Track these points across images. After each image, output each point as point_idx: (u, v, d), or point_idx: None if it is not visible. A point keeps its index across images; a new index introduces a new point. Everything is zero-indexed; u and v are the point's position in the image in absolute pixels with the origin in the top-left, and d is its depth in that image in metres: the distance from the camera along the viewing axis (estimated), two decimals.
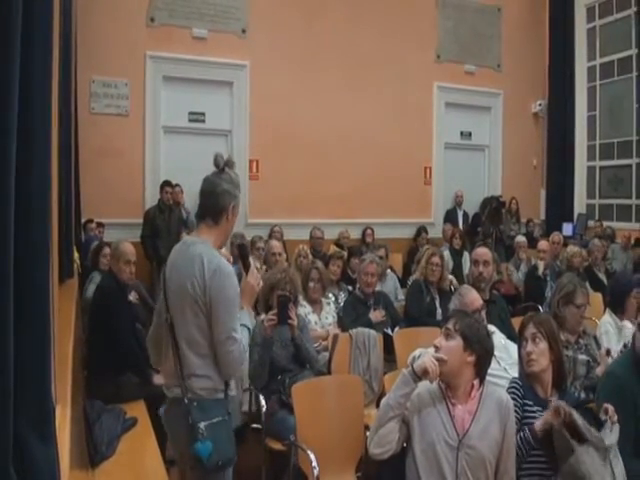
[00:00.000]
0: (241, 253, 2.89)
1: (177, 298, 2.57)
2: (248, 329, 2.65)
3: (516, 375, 3.39)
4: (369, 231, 9.62)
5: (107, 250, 5.59)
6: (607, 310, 4.66)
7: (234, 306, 2.54)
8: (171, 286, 2.61)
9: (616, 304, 4.60)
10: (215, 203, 2.63)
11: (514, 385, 2.88)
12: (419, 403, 2.55)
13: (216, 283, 2.50)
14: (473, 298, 3.83)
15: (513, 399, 2.75)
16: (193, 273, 2.51)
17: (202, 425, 2.47)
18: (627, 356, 3.09)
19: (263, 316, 4.10)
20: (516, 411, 2.70)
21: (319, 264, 5.28)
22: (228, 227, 2.69)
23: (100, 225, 7.93)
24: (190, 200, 8.27)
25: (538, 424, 2.65)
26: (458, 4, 11.13)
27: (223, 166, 2.66)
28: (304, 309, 4.93)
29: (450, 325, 2.58)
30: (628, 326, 4.36)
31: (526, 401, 2.79)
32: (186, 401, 2.52)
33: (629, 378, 2.89)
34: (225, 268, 2.53)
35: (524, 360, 2.90)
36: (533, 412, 2.76)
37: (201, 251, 2.55)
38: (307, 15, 9.69)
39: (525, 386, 2.86)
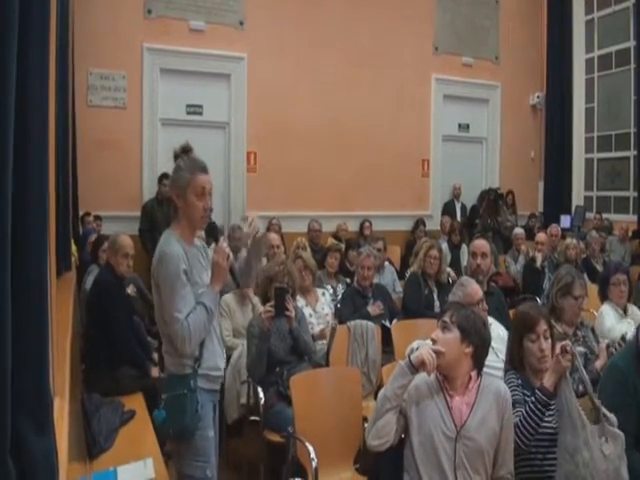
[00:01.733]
0: (212, 232, 3.05)
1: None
2: (206, 307, 2.71)
3: None
4: (367, 224, 9.63)
5: (107, 244, 5.58)
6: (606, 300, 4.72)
7: (174, 287, 2.65)
8: None
9: (602, 295, 4.68)
10: (171, 197, 2.86)
11: (512, 377, 2.87)
12: (417, 395, 2.55)
13: (160, 266, 2.68)
14: (475, 289, 3.83)
15: (515, 389, 2.76)
16: (154, 262, 2.74)
17: (163, 396, 2.70)
18: (630, 349, 3.08)
19: (261, 308, 4.11)
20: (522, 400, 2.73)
21: (303, 254, 5.28)
22: (186, 209, 2.78)
23: (98, 218, 7.91)
24: None
25: (546, 379, 2.65)
26: None
27: (176, 158, 2.87)
28: (298, 303, 4.91)
29: (447, 317, 2.58)
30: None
31: (525, 391, 2.79)
32: (162, 376, 2.78)
33: (632, 371, 2.88)
34: (169, 252, 2.67)
35: (536, 356, 2.85)
36: None
37: (160, 240, 2.78)
38: (305, 7, 9.67)
39: (523, 380, 2.86)
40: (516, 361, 2.94)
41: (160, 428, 2.73)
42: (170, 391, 2.69)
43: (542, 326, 2.89)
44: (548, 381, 2.63)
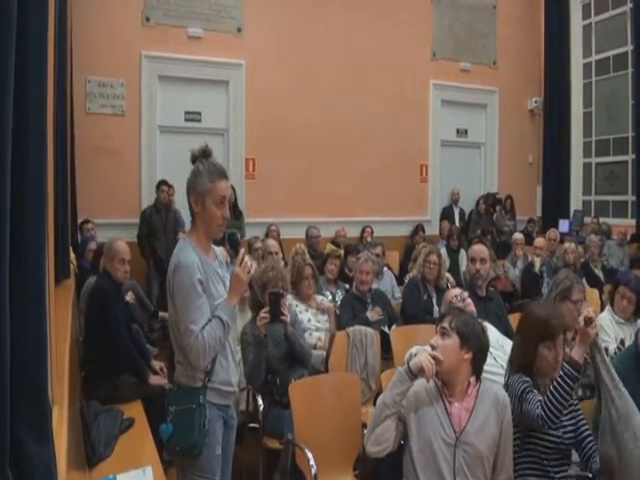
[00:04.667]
0: (230, 242, 2.89)
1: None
2: (222, 321, 2.61)
3: None
4: (368, 229, 9.63)
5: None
6: (607, 307, 4.67)
7: (189, 298, 2.56)
8: None
9: (611, 298, 4.62)
10: (188, 201, 2.73)
11: (521, 376, 2.77)
12: (416, 401, 2.55)
13: (175, 276, 2.59)
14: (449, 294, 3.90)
15: (525, 383, 2.71)
16: (169, 271, 2.65)
17: (172, 409, 2.61)
18: (629, 352, 3.08)
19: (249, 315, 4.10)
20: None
21: (311, 262, 5.27)
22: (204, 218, 2.69)
23: (87, 222, 7.83)
24: (185, 200, 8.25)
25: (574, 351, 2.58)
26: (453, 2, 11.15)
27: (194, 160, 2.70)
28: (297, 308, 4.89)
29: (446, 323, 2.57)
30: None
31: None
32: (170, 387, 2.68)
33: (630, 374, 2.88)
34: (184, 261, 2.58)
35: (551, 365, 2.76)
36: None
37: (176, 249, 2.69)
38: (303, 13, 9.69)
39: (533, 381, 2.78)
40: (525, 364, 2.84)
41: (167, 444, 2.63)
42: (179, 404, 2.60)
43: (562, 337, 2.82)
44: (576, 354, 2.57)
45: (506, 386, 2.81)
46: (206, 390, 2.64)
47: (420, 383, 2.55)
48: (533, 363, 2.82)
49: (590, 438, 2.74)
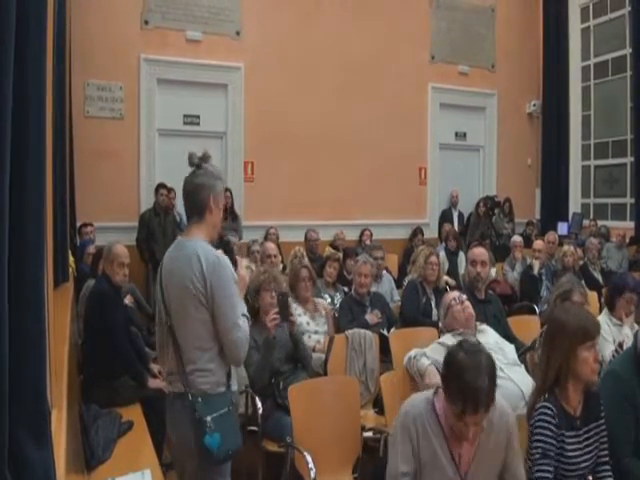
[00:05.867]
0: (225, 249, 2.89)
1: (178, 299, 2.62)
2: (247, 318, 2.69)
3: (512, 375, 3.37)
4: (367, 232, 9.65)
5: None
6: (604, 309, 4.64)
7: (234, 296, 2.60)
8: (171, 290, 2.66)
9: (609, 302, 4.58)
10: (195, 200, 2.69)
11: (546, 409, 2.63)
12: (420, 440, 2.39)
13: (216, 276, 2.56)
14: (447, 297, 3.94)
15: (546, 428, 2.57)
16: (192, 271, 2.57)
17: (209, 418, 2.54)
18: (628, 355, 3.07)
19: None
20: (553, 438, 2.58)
21: (308, 264, 5.27)
22: (214, 219, 2.73)
23: (86, 225, 7.83)
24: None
25: None
26: (452, 5, 11.16)
27: (198, 162, 2.69)
28: (295, 311, 4.87)
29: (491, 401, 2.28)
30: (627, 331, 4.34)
31: (562, 431, 2.60)
32: (190, 397, 2.57)
33: (630, 377, 2.88)
34: (222, 260, 2.60)
35: (590, 366, 2.64)
36: (569, 437, 2.62)
37: (196, 248, 2.61)
38: (301, 16, 9.70)
39: (557, 408, 2.63)
40: (561, 376, 2.68)
41: (218, 453, 2.54)
42: (214, 411, 2.56)
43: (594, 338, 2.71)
44: None
45: (530, 410, 2.71)
46: (230, 392, 2.67)
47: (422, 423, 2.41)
48: (568, 374, 2.67)
49: (606, 467, 2.67)
